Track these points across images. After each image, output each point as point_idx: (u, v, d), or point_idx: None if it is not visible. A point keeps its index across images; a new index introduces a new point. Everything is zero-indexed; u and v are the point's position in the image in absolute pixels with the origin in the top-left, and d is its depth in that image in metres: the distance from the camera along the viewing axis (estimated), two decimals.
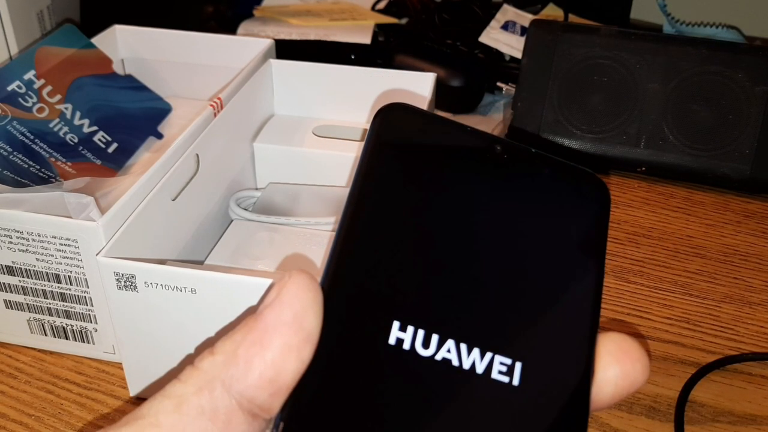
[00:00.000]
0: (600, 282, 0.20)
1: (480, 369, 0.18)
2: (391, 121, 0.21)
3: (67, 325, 0.38)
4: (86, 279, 0.36)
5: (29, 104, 0.44)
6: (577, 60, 0.56)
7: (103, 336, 0.38)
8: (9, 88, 0.44)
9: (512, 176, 0.21)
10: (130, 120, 0.50)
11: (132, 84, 0.52)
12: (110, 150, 0.47)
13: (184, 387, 0.18)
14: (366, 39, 0.68)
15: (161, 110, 0.52)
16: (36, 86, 0.45)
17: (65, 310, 0.38)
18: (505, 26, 0.70)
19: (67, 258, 0.35)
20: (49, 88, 0.46)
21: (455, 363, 0.18)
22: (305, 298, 0.18)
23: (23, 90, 0.45)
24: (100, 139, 0.47)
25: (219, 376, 0.17)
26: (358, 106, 0.51)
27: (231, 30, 0.70)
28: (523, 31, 0.69)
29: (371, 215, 0.20)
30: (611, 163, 0.57)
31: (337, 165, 0.47)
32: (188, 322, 0.32)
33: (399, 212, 0.20)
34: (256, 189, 0.48)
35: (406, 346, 0.18)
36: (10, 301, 0.38)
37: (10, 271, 0.37)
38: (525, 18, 0.71)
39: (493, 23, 0.70)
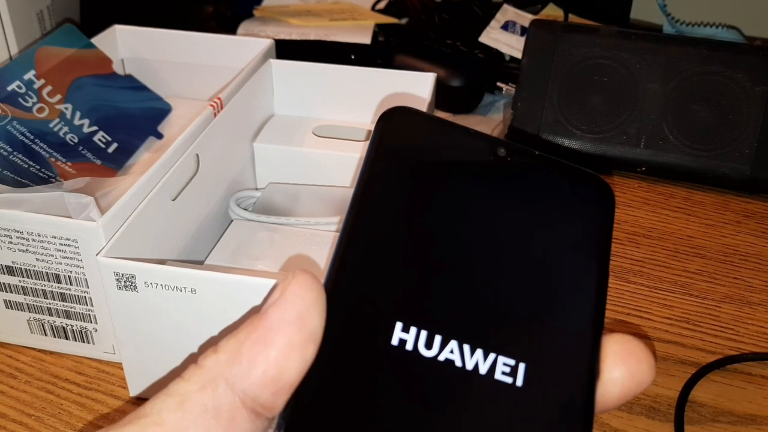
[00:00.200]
0: (604, 284, 0.20)
1: (483, 370, 0.18)
2: (395, 124, 0.21)
3: (67, 325, 0.38)
4: (86, 279, 0.36)
5: (29, 104, 0.44)
6: (577, 60, 0.56)
7: (103, 336, 0.38)
8: (9, 88, 0.44)
9: (516, 178, 0.21)
10: (130, 120, 0.50)
11: (132, 84, 0.52)
12: (110, 150, 0.47)
13: (187, 385, 0.18)
14: (366, 39, 0.68)
15: (161, 110, 0.52)
16: (36, 86, 0.45)
17: (65, 310, 0.38)
18: (505, 26, 0.70)
19: (67, 258, 0.35)
20: (49, 88, 0.46)
21: (458, 364, 0.18)
22: (309, 297, 0.18)
23: (23, 90, 0.45)
24: (100, 139, 0.47)
25: (222, 374, 0.17)
26: (358, 106, 0.51)
27: (231, 30, 0.70)
28: (523, 31, 0.69)
29: (374, 217, 0.20)
30: (611, 163, 0.57)
31: (337, 165, 0.47)
32: (188, 322, 0.32)
33: (402, 214, 0.20)
34: (256, 189, 0.48)
35: (409, 346, 0.18)
36: (10, 301, 0.38)
37: (10, 271, 0.37)
38: (525, 18, 0.71)
39: (493, 23, 0.70)
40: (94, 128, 0.47)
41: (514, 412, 0.18)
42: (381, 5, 0.76)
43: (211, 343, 0.18)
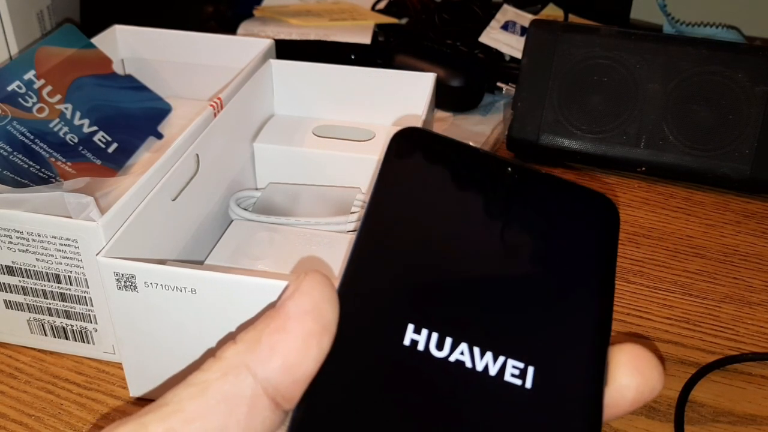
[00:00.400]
0: (610, 295, 0.21)
1: (493, 371, 0.19)
2: (406, 143, 0.22)
3: (67, 325, 0.38)
4: (86, 279, 0.36)
5: (29, 104, 0.44)
6: (577, 60, 0.56)
7: (103, 336, 0.38)
8: (9, 88, 0.44)
9: (524, 195, 0.22)
10: (130, 120, 0.50)
11: (132, 84, 0.52)
12: (110, 150, 0.47)
13: (207, 374, 0.18)
14: (366, 39, 0.68)
15: (161, 110, 0.52)
16: (36, 86, 0.45)
17: (65, 310, 0.38)
18: (505, 26, 0.70)
19: (67, 258, 0.35)
20: (49, 88, 0.46)
21: (468, 365, 0.19)
22: (323, 291, 0.18)
23: (23, 90, 0.45)
24: (100, 139, 0.47)
25: (244, 361, 0.18)
26: (358, 106, 0.51)
27: (231, 30, 0.70)
28: (523, 31, 0.69)
29: (386, 226, 0.21)
30: (611, 163, 0.57)
31: (337, 165, 0.47)
32: (188, 322, 0.32)
33: (413, 225, 0.21)
34: (256, 189, 0.48)
35: (420, 347, 0.19)
36: (10, 301, 0.38)
37: (10, 271, 0.37)
38: (525, 18, 0.71)
39: (493, 23, 0.70)
40: (94, 128, 0.47)
41: (522, 413, 0.18)
42: (381, 5, 0.76)
43: (221, 343, 0.19)
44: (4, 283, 0.38)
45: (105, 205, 0.40)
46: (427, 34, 0.71)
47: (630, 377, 0.19)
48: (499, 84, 0.66)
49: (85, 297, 0.37)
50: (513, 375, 0.19)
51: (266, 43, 0.53)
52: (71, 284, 0.36)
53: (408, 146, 0.22)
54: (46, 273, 0.36)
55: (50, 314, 0.38)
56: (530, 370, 0.19)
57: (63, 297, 0.37)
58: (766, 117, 0.53)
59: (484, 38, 0.69)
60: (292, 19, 0.70)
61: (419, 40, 0.68)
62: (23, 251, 0.36)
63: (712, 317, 0.44)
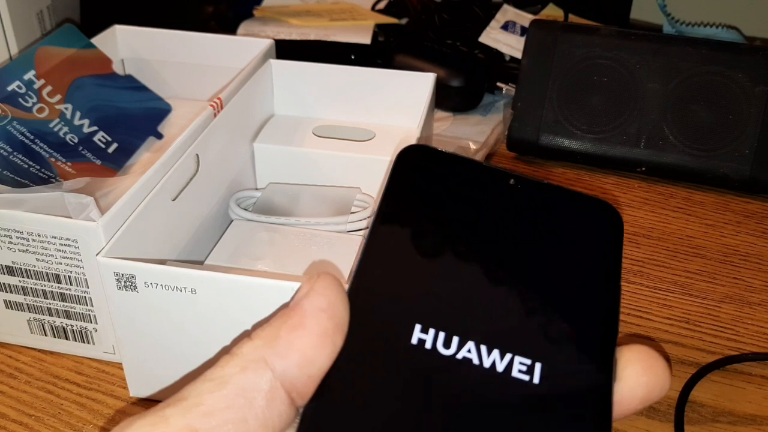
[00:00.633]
0: (616, 296, 0.21)
1: (500, 368, 0.19)
2: (411, 159, 0.23)
3: (67, 325, 0.38)
4: (86, 279, 0.36)
5: (29, 104, 0.44)
6: (577, 60, 0.56)
7: (103, 336, 0.38)
8: (9, 88, 0.44)
9: (529, 204, 0.23)
10: (130, 120, 0.50)
11: (132, 84, 0.52)
12: (110, 150, 0.47)
13: (225, 369, 0.18)
14: (366, 39, 0.68)
15: (161, 110, 0.52)
16: (36, 86, 0.45)
17: (65, 310, 0.38)
18: (505, 26, 0.70)
19: (67, 258, 0.35)
20: (49, 88, 0.46)
21: (476, 362, 0.19)
22: (336, 291, 0.19)
23: (23, 90, 0.45)
24: (100, 139, 0.47)
25: (263, 356, 0.18)
26: (358, 106, 0.51)
27: (231, 30, 0.70)
28: (523, 31, 0.69)
29: (394, 231, 0.21)
30: (611, 163, 0.57)
31: (337, 165, 0.47)
32: (188, 322, 0.32)
33: (420, 230, 0.22)
34: (256, 189, 0.48)
35: (428, 345, 0.19)
36: (10, 301, 0.38)
37: (10, 271, 0.37)
38: (525, 18, 0.71)
39: (493, 23, 0.70)
40: (94, 128, 0.47)
41: (531, 406, 0.19)
42: (381, 5, 0.76)
43: (236, 341, 0.19)
44: (4, 283, 0.38)
45: (105, 205, 0.40)
46: (427, 34, 0.71)
47: (641, 376, 0.20)
48: (499, 84, 0.66)
49: (85, 297, 0.37)
50: (520, 371, 0.19)
51: (266, 43, 0.53)
52: (71, 284, 0.36)
53: (413, 162, 0.23)
54: (46, 273, 0.36)
55: (50, 314, 0.38)
56: (537, 366, 0.19)
57: (63, 297, 0.37)
58: (766, 117, 0.53)
59: (484, 38, 0.69)
60: (292, 19, 0.70)
61: (419, 40, 0.68)
62: (23, 251, 0.36)
63: (712, 317, 0.44)
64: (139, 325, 0.33)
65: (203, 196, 0.42)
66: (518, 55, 0.65)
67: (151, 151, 0.49)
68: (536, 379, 0.19)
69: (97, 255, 0.32)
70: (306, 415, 0.18)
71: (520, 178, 0.23)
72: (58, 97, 0.46)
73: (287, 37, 0.68)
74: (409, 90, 0.50)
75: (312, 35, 0.69)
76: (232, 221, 0.44)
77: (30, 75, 0.45)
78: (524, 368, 0.19)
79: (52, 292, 0.37)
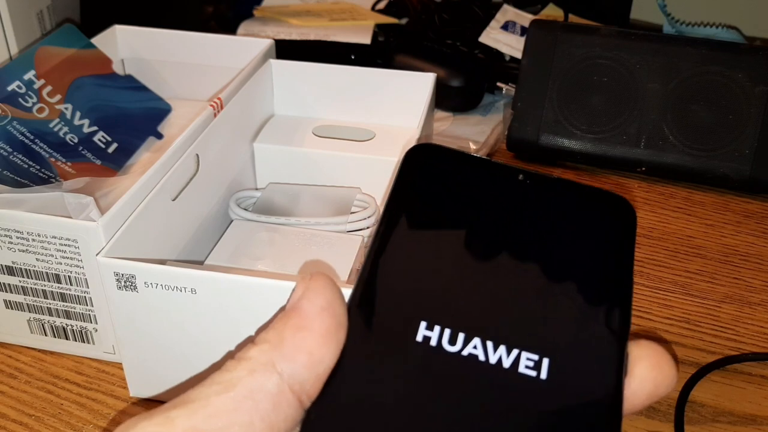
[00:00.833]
0: (629, 291, 0.21)
1: (507, 364, 0.19)
2: (419, 157, 0.23)
3: (67, 325, 0.38)
4: (86, 279, 0.36)
5: (29, 104, 0.44)
6: (577, 60, 0.56)
7: (103, 336, 0.38)
8: (9, 88, 0.44)
9: (539, 199, 0.23)
10: (130, 120, 0.50)
11: (132, 84, 0.52)
12: (110, 150, 0.47)
13: (232, 373, 0.18)
14: (366, 39, 0.68)
15: (161, 110, 0.52)
16: (36, 86, 0.45)
17: (65, 310, 0.38)
18: (505, 26, 0.70)
19: (67, 258, 0.35)
20: (49, 88, 0.46)
21: (482, 358, 0.19)
22: (333, 289, 0.19)
23: (23, 90, 0.45)
24: (100, 139, 0.47)
25: (270, 359, 0.18)
26: (358, 106, 0.51)
27: (231, 30, 0.70)
28: (523, 31, 0.69)
29: (400, 229, 0.21)
30: (611, 163, 0.57)
31: (337, 165, 0.47)
32: (188, 322, 0.32)
33: (427, 227, 0.22)
34: (256, 189, 0.48)
35: (433, 342, 0.19)
36: (10, 301, 0.38)
37: (10, 271, 0.37)
38: (525, 18, 0.71)
39: (493, 23, 0.70)
40: (94, 128, 0.47)
41: (539, 402, 0.19)
42: (381, 5, 0.76)
43: (240, 347, 0.19)
44: (4, 283, 0.38)
45: (105, 205, 0.40)
46: (427, 34, 0.71)
47: (649, 370, 0.20)
48: (499, 84, 0.66)
49: (85, 297, 0.37)
50: (527, 367, 0.19)
51: (266, 43, 0.53)
52: (71, 284, 0.36)
53: (421, 160, 0.23)
54: (46, 273, 0.36)
55: (50, 314, 0.38)
56: (545, 361, 0.19)
57: (63, 297, 0.37)
58: (766, 117, 0.53)
59: (484, 38, 0.69)
60: (292, 19, 0.70)
61: (419, 40, 0.68)
62: (23, 251, 0.36)
63: (712, 317, 0.44)
64: (139, 325, 0.33)
65: (203, 196, 0.42)
66: (518, 55, 0.65)
67: (151, 151, 0.49)
68: (543, 375, 0.19)
69: (97, 255, 0.32)
70: (311, 414, 0.18)
71: (529, 174, 0.23)
72: (58, 97, 0.46)
73: (287, 37, 0.68)
74: (409, 90, 0.50)
75: (312, 35, 0.69)
76: (232, 221, 0.44)
77: (30, 75, 0.45)
78: (531, 364, 0.19)
79: (52, 292, 0.37)
